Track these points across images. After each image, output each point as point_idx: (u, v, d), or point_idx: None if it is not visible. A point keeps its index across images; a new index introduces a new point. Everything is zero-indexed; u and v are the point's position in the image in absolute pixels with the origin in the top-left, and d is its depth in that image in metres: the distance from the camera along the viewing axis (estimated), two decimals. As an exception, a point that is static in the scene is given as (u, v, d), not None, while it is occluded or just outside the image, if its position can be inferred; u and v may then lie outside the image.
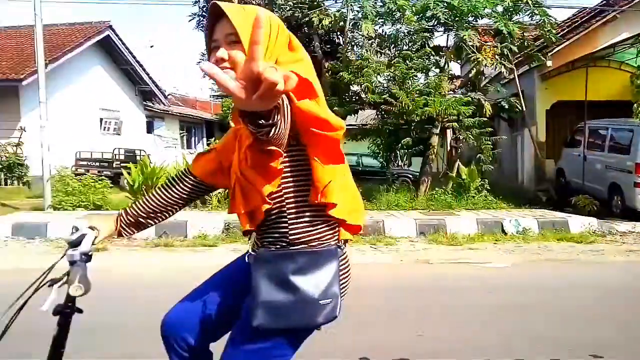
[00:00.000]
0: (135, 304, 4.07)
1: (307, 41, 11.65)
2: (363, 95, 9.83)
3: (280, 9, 10.41)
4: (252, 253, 1.36)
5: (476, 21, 10.00)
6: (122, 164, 13.37)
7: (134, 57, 17.72)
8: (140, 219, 1.55)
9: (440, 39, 19.03)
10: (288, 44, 1.24)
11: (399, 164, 15.19)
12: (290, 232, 1.29)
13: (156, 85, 19.11)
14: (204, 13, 12.31)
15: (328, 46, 11.60)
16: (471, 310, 3.99)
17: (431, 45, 10.19)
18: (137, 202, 1.58)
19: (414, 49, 9.82)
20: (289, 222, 1.29)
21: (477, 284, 4.95)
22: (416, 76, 9.89)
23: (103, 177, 10.71)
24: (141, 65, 18.09)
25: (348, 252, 1.43)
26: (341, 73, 9.51)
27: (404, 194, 9.82)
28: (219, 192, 9.45)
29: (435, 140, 10.17)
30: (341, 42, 11.24)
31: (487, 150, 10.00)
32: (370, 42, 10.29)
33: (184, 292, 1.62)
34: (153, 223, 1.58)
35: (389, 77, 9.99)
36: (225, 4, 1.19)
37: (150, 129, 20.53)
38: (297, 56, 1.24)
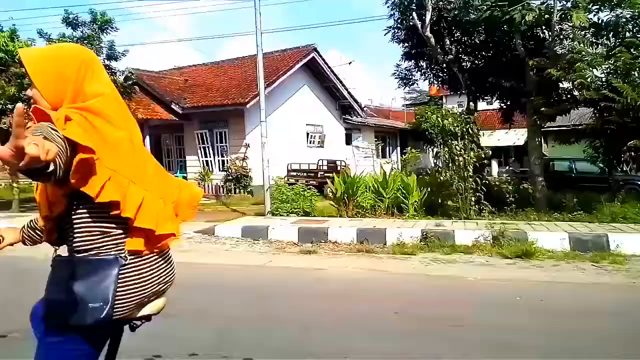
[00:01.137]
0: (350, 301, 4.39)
1: (507, 40, 10.94)
2: (576, 93, 8.78)
3: (476, 10, 10.01)
4: (52, 257, 1.58)
5: None
6: (325, 174, 14.64)
7: (335, 75, 19.18)
8: (37, 231, 1.76)
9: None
10: (95, 76, 1.50)
11: (625, 170, 13.10)
12: (74, 242, 1.50)
13: (354, 100, 20.29)
14: (399, 26, 12.63)
15: (531, 43, 10.68)
16: None
17: (664, 28, 8.55)
18: (36, 218, 1.78)
19: (641, 35, 8.37)
20: (74, 234, 1.50)
21: None
22: (645, 66, 8.41)
23: (310, 186, 11.84)
24: (341, 82, 19.46)
25: (151, 261, 1.54)
26: (548, 70, 8.66)
27: (632, 204, 8.41)
28: (415, 201, 9.53)
29: (675, 139, 8.49)
30: (547, 37, 10.24)
31: None
32: (583, 32, 9.15)
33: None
34: None
35: (608, 70, 8.71)
36: (24, 49, 1.40)
37: (349, 140, 21.90)
38: (100, 90, 1.49)
